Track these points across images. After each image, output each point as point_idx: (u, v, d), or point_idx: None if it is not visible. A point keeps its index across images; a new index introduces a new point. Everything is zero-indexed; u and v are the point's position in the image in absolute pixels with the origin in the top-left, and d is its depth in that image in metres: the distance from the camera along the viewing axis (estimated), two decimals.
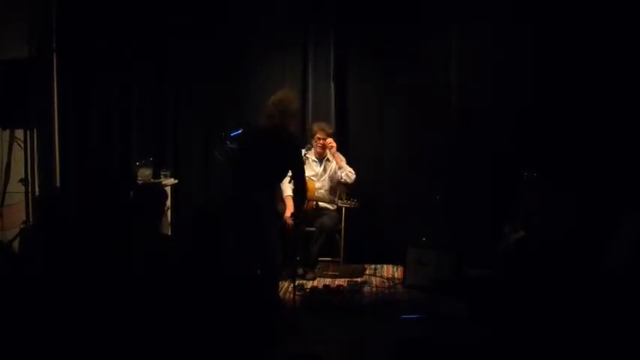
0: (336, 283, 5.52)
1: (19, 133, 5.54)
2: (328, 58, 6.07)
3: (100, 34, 5.96)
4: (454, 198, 5.67)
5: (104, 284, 2.82)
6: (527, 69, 5.68)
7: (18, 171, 5.58)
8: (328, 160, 5.78)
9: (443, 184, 5.75)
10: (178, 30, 6.00)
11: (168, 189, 5.60)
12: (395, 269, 5.90)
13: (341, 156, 5.76)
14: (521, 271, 4.09)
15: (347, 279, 5.59)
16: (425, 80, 5.97)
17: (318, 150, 5.72)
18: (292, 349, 3.70)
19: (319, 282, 5.54)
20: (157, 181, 5.81)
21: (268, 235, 4.38)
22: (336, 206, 5.72)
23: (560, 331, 2.99)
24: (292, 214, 5.13)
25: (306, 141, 5.84)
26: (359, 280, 5.60)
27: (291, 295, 4.79)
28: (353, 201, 5.60)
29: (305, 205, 5.60)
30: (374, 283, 5.57)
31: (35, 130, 5.63)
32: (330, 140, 5.70)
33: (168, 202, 5.41)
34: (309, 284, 5.45)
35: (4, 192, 5.64)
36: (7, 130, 5.64)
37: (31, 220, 5.15)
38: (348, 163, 5.79)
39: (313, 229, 5.61)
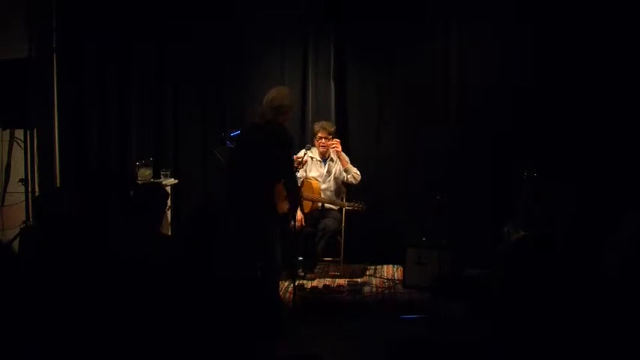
0: (336, 283, 5.52)
1: (19, 133, 5.55)
2: (328, 58, 6.07)
3: (100, 35, 5.96)
4: (454, 198, 5.67)
5: (103, 284, 2.82)
6: (527, 69, 5.68)
7: (18, 171, 5.58)
8: (332, 160, 5.77)
9: (443, 183, 5.75)
10: (178, 30, 5.99)
11: (168, 189, 5.60)
12: (395, 269, 5.90)
13: (346, 157, 5.76)
14: (521, 271, 4.09)
15: (347, 279, 5.59)
16: (425, 80, 5.98)
17: (321, 149, 5.71)
18: (292, 349, 3.70)
19: (319, 282, 5.54)
20: (157, 181, 5.81)
21: (267, 235, 4.37)
22: (341, 207, 5.71)
23: (560, 332, 2.98)
24: (290, 215, 5.07)
25: (305, 141, 5.84)
26: (359, 280, 5.60)
27: (291, 295, 4.79)
28: (360, 204, 5.60)
29: (311, 206, 5.62)
30: (374, 283, 5.57)
31: (35, 130, 5.63)
32: (336, 142, 5.67)
33: (169, 202, 5.41)
34: (309, 284, 5.46)
35: (4, 192, 5.65)
36: (7, 130, 5.64)
37: (30, 220, 5.15)
38: (349, 162, 5.78)
39: (316, 229, 5.61)
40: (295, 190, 4.60)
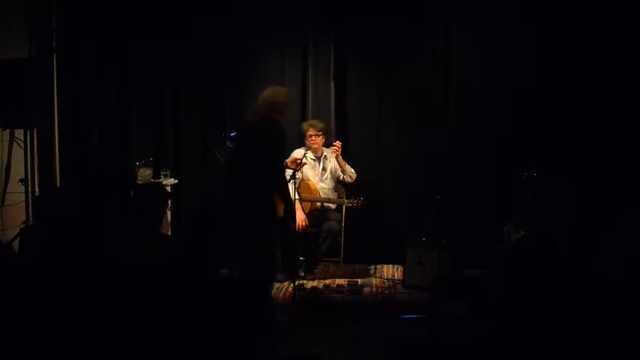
0: (336, 283, 5.52)
1: (19, 133, 5.55)
2: (328, 58, 6.07)
3: (100, 35, 5.96)
4: (454, 198, 5.67)
5: (103, 284, 2.82)
6: (527, 69, 5.68)
7: (18, 171, 5.58)
8: (325, 157, 5.77)
9: (443, 183, 5.75)
10: (178, 30, 5.99)
11: (168, 189, 5.60)
12: (395, 269, 5.90)
13: (342, 161, 5.75)
14: (521, 271, 4.09)
15: (347, 279, 5.59)
16: (425, 80, 5.97)
17: (314, 147, 5.69)
18: (292, 349, 3.70)
19: (319, 282, 5.54)
20: (157, 181, 5.81)
21: (266, 235, 4.37)
22: (341, 204, 5.71)
23: (560, 332, 2.98)
24: (289, 216, 5.05)
25: (305, 141, 5.83)
26: (359, 280, 5.60)
27: (291, 295, 4.79)
28: (359, 200, 5.60)
29: (310, 207, 5.61)
30: (374, 283, 5.57)
31: (35, 130, 5.63)
32: (337, 145, 5.64)
33: (169, 202, 5.41)
34: (309, 284, 5.45)
35: (4, 192, 5.65)
36: (7, 130, 5.64)
37: (30, 220, 5.15)
38: (349, 162, 5.78)
39: (319, 230, 5.61)
40: (282, 189, 4.56)
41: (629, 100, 5.50)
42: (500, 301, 3.82)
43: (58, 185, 5.95)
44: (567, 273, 3.62)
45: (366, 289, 5.37)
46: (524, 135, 5.68)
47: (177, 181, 6.02)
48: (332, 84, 6.09)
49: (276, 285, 5.36)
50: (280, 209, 4.64)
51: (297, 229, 5.31)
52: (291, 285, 4.89)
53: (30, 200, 5.30)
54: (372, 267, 6.01)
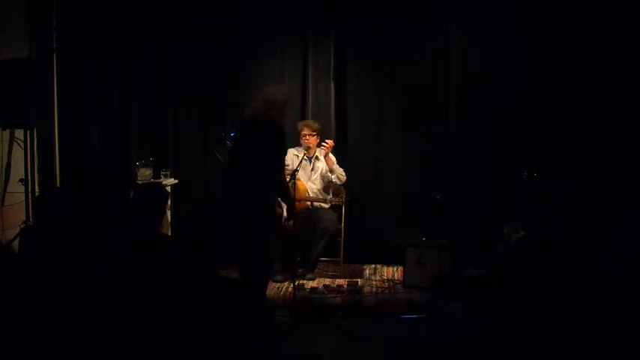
0: (336, 283, 5.52)
1: (19, 133, 5.55)
2: (328, 58, 6.07)
3: (100, 35, 5.96)
4: (454, 198, 5.67)
5: (103, 284, 2.82)
6: (527, 69, 5.68)
7: (18, 171, 5.58)
8: (317, 158, 5.76)
9: (442, 183, 5.75)
10: (178, 30, 5.99)
11: (168, 189, 5.60)
12: (395, 269, 5.89)
13: (333, 158, 5.73)
14: (521, 271, 4.09)
15: (347, 279, 5.59)
16: (425, 80, 5.97)
17: (307, 146, 5.67)
18: (292, 349, 3.70)
19: (319, 282, 5.54)
20: (157, 181, 5.81)
21: (266, 235, 4.35)
22: (329, 204, 5.71)
23: (560, 331, 2.98)
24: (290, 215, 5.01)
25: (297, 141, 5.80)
26: (359, 280, 5.60)
27: (291, 295, 4.79)
28: (341, 198, 5.63)
29: (297, 206, 5.57)
30: (374, 283, 5.57)
31: (35, 130, 5.63)
32: (329, 142, 5.64)
33: (169, 202, 5.41)
34: (309, 284, 5.45)
35: (4, 192, 5.65)
36: (7, 130, 5.65)
37: (30, 220, 5.16)
38: (348, 162, 5.79)
39: (314, 229, 5.59)
40: (282, 189, 4.50)
41: (630, 100, 5.50)
42: (500, 301, 3.82)
43: (58, 185, 5.95)
44: (567, 273, 3.62)
45: (366, 289, 5.36)
46: (524, 135, 5.68)
47: (177, 181, 6.01)
48: (332, 84, 6.08)
49: (276, 285, 5.37)
50: (278, 209, 4.62)
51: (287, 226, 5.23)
52: (291, 285, 4.89)
53: (30, 200, 5.30)
54: (372, 267, 6.01)
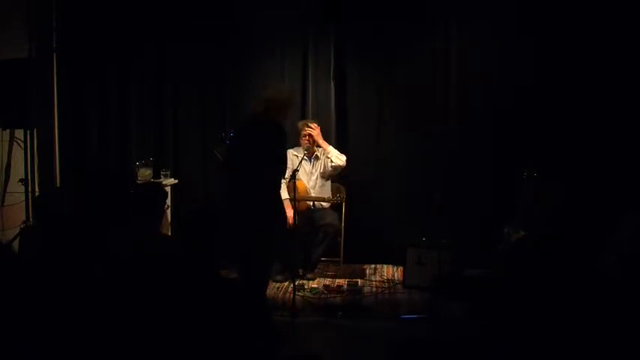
0: (336, 283, 5.52)
1: (19, 133, 5.55)
2: (328, 58, 6.07)
3: (100, 35, 5.97)
4: (454, 198, 5.67)
5: (103, 284, 2.82)
6: (527, 69, 5.68)
7: (18, 171, 5.58)
8: (317, 157, 5.76)
9: (442, 183, 5.75)
10: (178, 30, 5.99)
11: (168, 189, 5.60)
12: (395, 269, 5.90)
13: (325, 142, 5.69)
14: (521, 271, 4.09)
15: (347, 279, 5.59)
16: (425, 80, 5.97)
17: (306, 144, 5.67)
18: (292, 349, 3.70)
19: (319, 282, 5.54)
20: (157, 181, 5.81)
21: (266, 235, 4.35)
22: (329, 204, 5.71)
23: (560, 331, 2.98)
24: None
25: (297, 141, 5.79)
26: (359, 280, 5.60)
27: (291, 295, 4.79)
28: (340, 197, 5.64)
29: (300, 205, 5.58)
30: (374, 283, 5.57)
31: (35, 130, 5.63)
32: (314, 126, 5.60)
33: (169, 202, 5.41)
34: (309, 284, 5.45)
35: (4, 192, 5.65)
36: (7, 130, 5.65)
37: (30, 220, 5.16)
38: (348, 162, 5.77)
39: (317, 229, 5.59)
40: (273, 186, 4.48)
41: (630, 100, 5.50)
42: (500, 301, 3.82)
43: (58, 185, 5.95)
44: (567, 273, 3.62)
45: (366, 289, 5.37)
46: (524, 135, 5.68)
47: (177, 181, 6.02)
48: (332, 84, 6.08)
49: (276, 285, 5.37)
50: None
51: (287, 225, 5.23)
52: (291, 285, 4.89)
53: (30, 200, 5.30)
54: (372, 267, 6.01)
